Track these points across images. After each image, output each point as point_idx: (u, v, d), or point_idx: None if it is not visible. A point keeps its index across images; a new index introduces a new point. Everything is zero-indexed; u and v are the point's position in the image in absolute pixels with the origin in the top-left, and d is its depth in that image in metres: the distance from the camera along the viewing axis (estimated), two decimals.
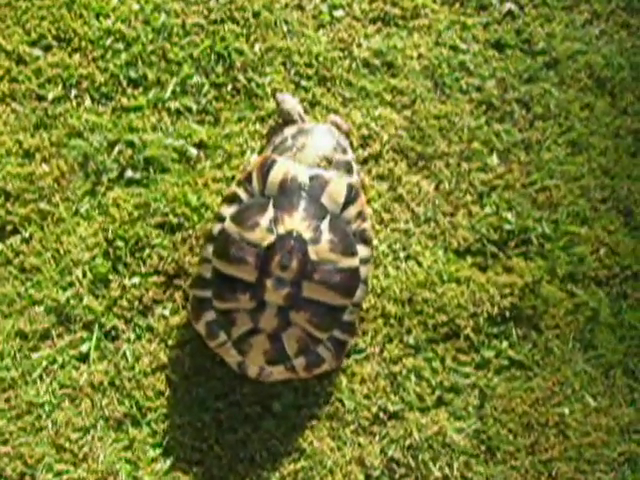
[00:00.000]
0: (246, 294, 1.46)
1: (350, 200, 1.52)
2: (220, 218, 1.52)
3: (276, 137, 1.63)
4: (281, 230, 1.46)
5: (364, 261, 1.53)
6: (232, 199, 1.53)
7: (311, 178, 1.51)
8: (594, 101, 1.83)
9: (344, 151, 1.61)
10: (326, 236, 1.48)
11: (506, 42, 1.85)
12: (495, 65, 1.83)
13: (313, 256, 1.46)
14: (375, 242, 1.67)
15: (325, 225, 1.48)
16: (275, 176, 1.50)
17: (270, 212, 1.47)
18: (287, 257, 1.45)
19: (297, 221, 1.47)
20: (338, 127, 1.67)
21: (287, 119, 1.66)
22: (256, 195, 1.51)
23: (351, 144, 1.69)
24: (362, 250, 1.53)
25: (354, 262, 1.50)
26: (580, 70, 1.84)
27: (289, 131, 1.62)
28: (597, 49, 1.86)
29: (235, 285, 1.47)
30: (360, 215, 1.53)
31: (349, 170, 1.59)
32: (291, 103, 1.67)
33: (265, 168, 1.51)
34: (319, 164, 1.56)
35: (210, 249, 1.51)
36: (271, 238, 1.46)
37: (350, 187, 1.53)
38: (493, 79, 1.81)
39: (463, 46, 1.83)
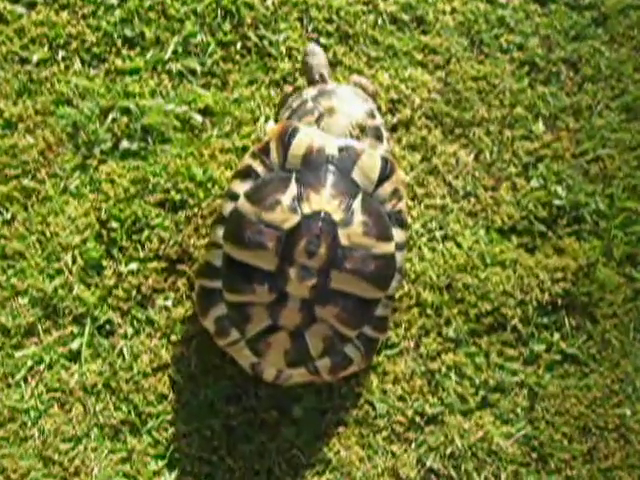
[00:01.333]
0: (264, 285, 1.26)
1: (385, 176, 1.31)
2: (232, 196, 1.31)
3: (293, 100, 1.42)
4: (306, 210, 1.26)
5: (400, 247, 1.33)
6: (246, 174, 1.31)
7: (340, 149, 1.30)
8: None
9: (372, 115, 1.40)
10: (359, 217, 1.27)
11: None
12: (538, 21, 1.63)
13: (344, 241, 1.26)
14: (408, 220, 1.47)
15: (357, 204, 1.28)
16: (298, 147, 1.29)
17: (293, 189, 1.27)
18: (314, 242, 1.24)
19: (325, 199, 1.26)
20: (363, 89, 1.45)
21: (308, 76, 1.44)
22: (275, 169, 1.30)
23: (379, 108, 1.48)
24: (398, 234, 1.33)
25: (390, 248, 1.30)
26: (632, 27, 1.66)
27: (308, 93, 1.41)
28: None
29: (251, 274, 1.27)
30: (396, 193, 1.33)
31: (378, 137, 1.38)
32: (319, 58, 1.45)
33: (286, 137, 1.30)
34: (351, 132, 1.35)
35: (220, 232, 1.30)
36: (295, 219, 1.25)
37: (385, 161, 1.32)
38: (536, 37, 1.62)
39: (502, 0, 1.62)
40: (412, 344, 1.44)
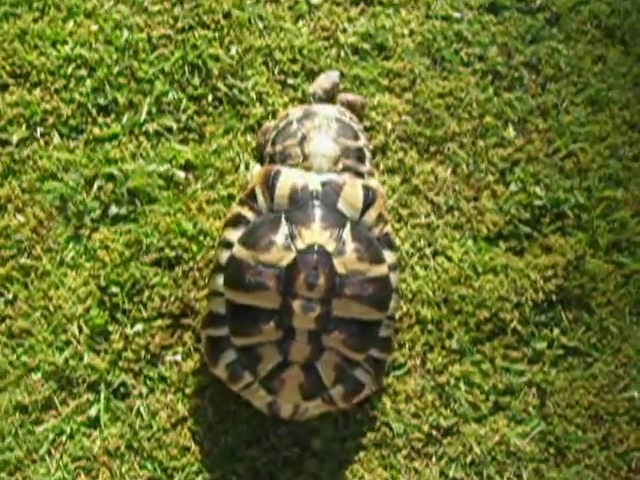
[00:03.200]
0: (270, 323, 1.29)
1: (369, 203, 1.36)
2: (227, 244, 1.35)
3: (280, 120, 1.47)
4: (300, 245, 1.30)
5: (392, 268, 1.37)
6: (237, 221, 1.36)
7: (323, 184, 1.35)
8: (606, 52, 1.68)
9: (356, 137, 1.44)
10: (350, 245, 1.31)
11: (501, 3, 1.69)
12: (494, 30, 1.67)
13: (340, 269, 1.30)
14: (397, 242, 1.51)
15: (347, 233, 1.32)
16: (283, 188, 1.34)
17: (284, 228, 1.31)
18: (313, 274, 1.28)
19: (316, 233, 1.31)
20: (351, 107, 1.51)
21: (315, 95, 1.53)
22: (264, 212, 1.35)
23: (365, 128, 1.53)
24: (389, 256, 1.37)
25: (384, 269, 1.34)
26: (585, 22, 1.70)
27: (294, 114, 1.46)
28: None
29: (256, 316, 1.30)
30: (381, 218, 1.37)
31: (360, 158, 1.43)
32: (324, 81, 1.54)
33: (270, 181, 1.35)
34: (332, 157, 1.40)
35: (220, 281, 1.34)
36: (291, 256, 1.29)
37: (366, 189, 1.37)
38: (494, 45, 1.66)
39: (456, 15, 1.68)
40: (418, 361, 1.47)
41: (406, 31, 1.65)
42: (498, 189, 1.57)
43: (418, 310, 1.49)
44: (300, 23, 1.65)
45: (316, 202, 1.33)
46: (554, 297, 1.51)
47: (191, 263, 1.48)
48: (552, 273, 1.52)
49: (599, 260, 1.54)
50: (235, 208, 1.37)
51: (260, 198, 1.35)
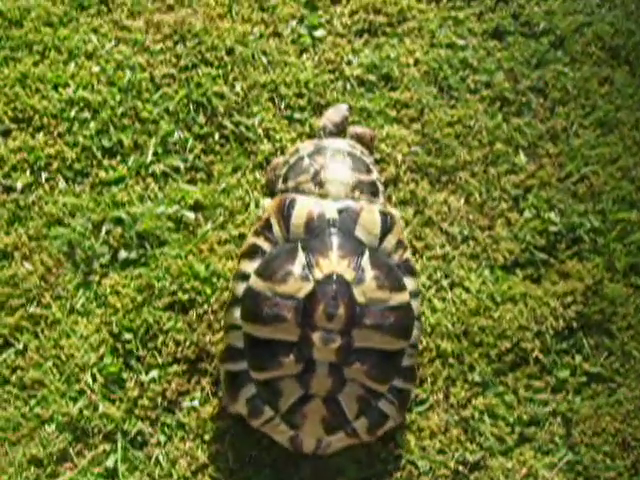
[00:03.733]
0: (290, 356, 1.26)
1: (387, 229, 1.33)
2: (243, 276, 1.32)
3: (291, 155, 1.45)
4: (318, 275, 1.27)
5: (414, 295, 1.35)
6: (253, 252, 1.33)
7: (340, 211, 1.33)
8: (612, 73, 1.67)
9: (368, 170, 1.42)
10: (370, 273, 1.28)
11: (505, 29, 1.69)
12: (499, 56, 1.67)
13: (360, 298, 1.27)
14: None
15: (366, 261, 1.29)
16: (299, 217, 1.32)
17: (301, 257, 1.28)
18: (332, 304, 1.25)
19: (334, 262, 1.28)
20: (361, 138, 1.49)
21: (325, 129, 1.52)
22: (280, 242, 1.32)
23: (376, 160, 1.51)
24: (409, 282, 1.34)
25: (405, 297, 1.31)
26: (589, 43, 1.70)
27: (305, 149, 1.44)
28: (602, 17, 1.72)
29: (275, 349, 1.27)
30: (400, 244, 1.35)
31: (374, 192, 1.40)
32: (334, 115, 1.53)
33: (285, 210, 1.32)
34: (345, 194, 1.37)
35: (237, 314, 1.31)
36: (309, 286, 1.26)
37: (384, 215, 1.34)
38: (500, 71, 1.65)
39: (461, 42, 1.67)
40: (441, 396, 1.44)
41: (411, 60, 1.64)
42: (512, 216, 1.55)
43: (438, 344, 1.47)
44: (304, 57, 1.64)
45: (333, 230, 1.31)
46: (574, 324, 1.49)
47: (205, 306, 1.45)
48: (571, 299, 1.50)
49: (617, 284, 1.52)
50: (250, 239, 1.35)
51: (276, 228, 1.32)
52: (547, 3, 1.71)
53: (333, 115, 1.54)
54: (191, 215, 1.52)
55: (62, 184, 1.54)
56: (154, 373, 1.43)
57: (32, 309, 1.47)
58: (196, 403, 1.41)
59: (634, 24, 1.71)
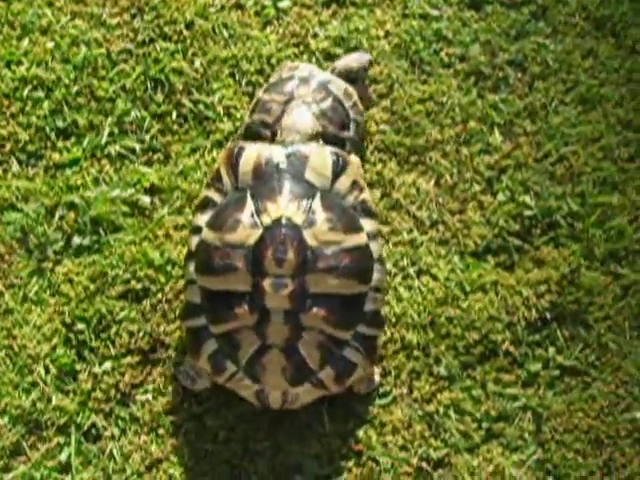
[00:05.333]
0: (244, 307, 1.25)
1: (339, 170, 1.31)
2: (196, 230, 1.32)
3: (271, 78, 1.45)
4: (267, 221, 1.26)
5: (373, 236, 1.32)
6: (204, 205, 1.33)
7: (288, 155, 1.30)
8: (596, 46, 1.59)
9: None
10: (321, 215, 1.26)
11: None
12: (476, 27, 1.58)
13: (311, 241, 1.25)
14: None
15: (317, 203, 1.27)
16: (246, 164, 1.30)
17: (250, 205, 1.27)
18: (281, 249, 1.24)
19: (283, 206, 1.26)
20: (348, 74, 1.46)
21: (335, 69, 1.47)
22: (229, 192, 1.31)
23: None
24: (367, 224, 1.31)
25: (361, 239, 1.29)
26: (573, 13, 1.61)
27: (282, 72, 1.44)
28: None
29: (229, 300, 1.26)
30: (355, 184, 1.32)
31: (343, 124, 1.39)
32: (358, 64, 1.48)
33: (233, 159, 1.31)
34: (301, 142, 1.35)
35: (192, 268, 1.30)
36: (257, 233, 1.25)
37: (336, 155, 1.32)
38: (477, 44, 1.57)
39: (435, 12, 1.58)
40: (405, 390, 1.39)
41: (381, 33, 1.56)
42: (485, 200, 1.48)
43: (403, 335, 1.41)
44: (268, 30, 1.56)
45: (282, 174, 1.29)
46: (548, 314, 1.42)
47: (159, 295, 1.41)
48: (545, 288, 1.43)
49: (595, 272, 1.45)
50: (203, 192, 1.34)
51: (225, 178, 1.32)
52: None
53: (352, 60, 1.48)
54: (147, 199, 1.46)
55: (15, 167, 1.49)
56: (107, 365, 1.39)
57: None
58: (149, 397, 1.37)
59: None
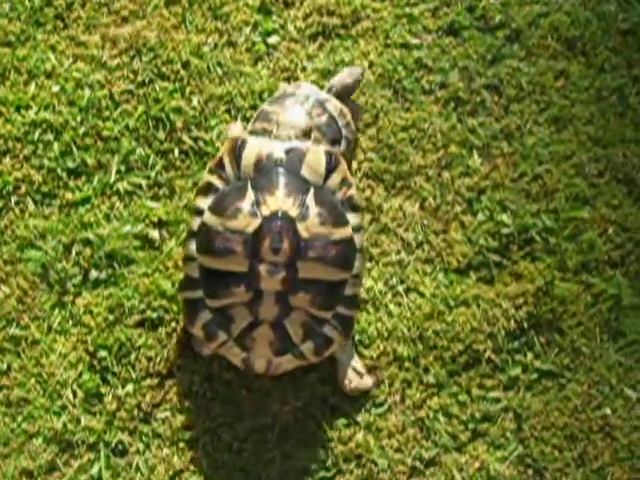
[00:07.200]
0: (240, 286, 1.41)
1: (332, 168, 1.45)
2: (198, 212, 1.46)
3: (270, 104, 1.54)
4: (265, 212, 1.40)
5: (356, 229, 1.47)
6: (207, 189, 1.47)
7: (287, 152, 1.45)
8: (567, 66, 1.68)
9: (323, 109, 1.51)
10: (313, 210, 1.42)
11: (460, 24, 1.69)
12: (454, 53, 1.67)
13: (304, 233, 1.41)
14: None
15: (310, 198, 1.42)
16: (248, 156, 1.44)
17: (250, 195, 1.42)
18: (277, 239, 1.39)
19: (280, 199, 1.41)
20: (349, 87, 1.58)
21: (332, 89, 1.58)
22: (231, 180, 1.45)
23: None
24: (352, 218, 1.47)
25: (347, 232, 1.45)
26: (545, 35, 1.70)
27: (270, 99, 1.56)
28: (559, 7, 1.70)
29: (227, 279, 1.42)
30: (344, 182, 1.47)
31: (335, 140, 1.50)
32: (352, 78, 1.58)
33: (236, 150, 1.45)
34: (296, 137, 1.47)
35: (193, 246, 1.45)
36: (256, 222, 1.40)
37: (329, 154, 1.46)
38: (455, 70, 1.66)
39: (415, 41, 1.67)
40: (398, 398, 1.54)
41: (366, 63, 1.65)
42: (466, 219, 1.60)
43: (395, 348, 1.55)
44: (259, 65, 1.65)
45: (280, 169, 1.43)
46: (526, 324, 1.56)
47: (173, 324, 1.54)
48: (522, 301, 1.56)
49: (568, 282, 1.58)
50: (205, 177, 1.48)
51: (228, 167, 1.45)
52: None
53: (346, 77, 1.58)
54: (155, 233, 1.58)
55: (31, 207, 1.60)
56: (129, 387, 1.53)
57: (12, 330, 1.56)
58: (168, 414, 1.52)
59: (590, 12, 1.69)
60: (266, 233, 1.39)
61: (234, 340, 1.45)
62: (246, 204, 1.40)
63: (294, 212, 1.40)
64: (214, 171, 1.46)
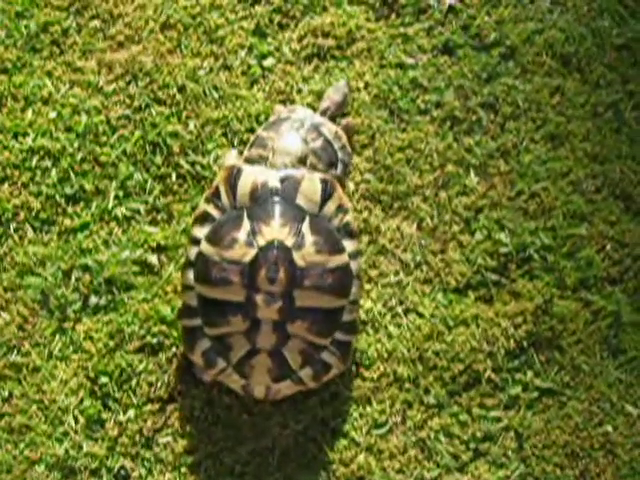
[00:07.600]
0: (237, 315, 1.41)
1: (327, 196, 1.46)
2: (195, 241, 1.47)
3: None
4: (261, 242, 1.41)
5: (353, 255, 1.47)
6: (203, 218, 1.47)
7: (282, 180, 1.45)
8: (563, 83, 1.68)
9: (318, 133, 1.53)
10: (309, 238, 1.42)
11: (455, 43, 1.69)
12: (449, 72, 1.67)
13: (300, 262, 1.41)
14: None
15: (306, 227, 1.43)
16: (244, 186, 1.44)
17: (246, 225, 1.42)
18: (273, 269, 1.39)
19: (276, 229, 1.41)
20: (342, 105, 1.61)
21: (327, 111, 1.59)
22: (227, 210, 1.45)
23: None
24: (349, 244, 1.47)
25: (343, 259, 1.45)
26: (540, 52, 1.70)
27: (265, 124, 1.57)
28: (553, 23, 1.71)
29: (224, 308, 1.42)
30: (340, 209, 1.47)
31: (331, 163, 1.52)
32: (341, 94, 1.60)
33: (232, 180, 1.45)
34: (292, 164, 1.49)
35: (190, 275, 1.46)
36: (252, 252, 1.40)
37: (324, 182, 1.46)
38: (451, 89, 1.66)
39: (410, 61, 1.67)
40: (399, 419, 1.54)
41: (361, 84, 1.66)
42: (464, 239, 1.61)
43: (395, 369, 1.55)
44: (255, 88, 1.66)
45: (275, 198, 1.43)
46: (525, 342, 1.56)
47: (173, 349, 1.54)
48: (522, 319, 1.57)
49: (567, 300, 1.59)
50: (202, 206, 1.48)
51: (224, 196, 1.46)
52: (498, 11, 1.70)
53: (334, 95, 1.60)
54: (154, 258, 1.59)
55: (30, 234, 1.60)
56: (131, 413, 1.53)
57: (13, 358, 1.56)
58: (170, 439, 1.52)
59: (585, 28, 1.70)
60: (262, 263, 1.39)
61: (233, 367, 1.45)
62: (242, 234, 1.41)
63: (290, 241, 1.40)
64: (210, 200, 1.46)
